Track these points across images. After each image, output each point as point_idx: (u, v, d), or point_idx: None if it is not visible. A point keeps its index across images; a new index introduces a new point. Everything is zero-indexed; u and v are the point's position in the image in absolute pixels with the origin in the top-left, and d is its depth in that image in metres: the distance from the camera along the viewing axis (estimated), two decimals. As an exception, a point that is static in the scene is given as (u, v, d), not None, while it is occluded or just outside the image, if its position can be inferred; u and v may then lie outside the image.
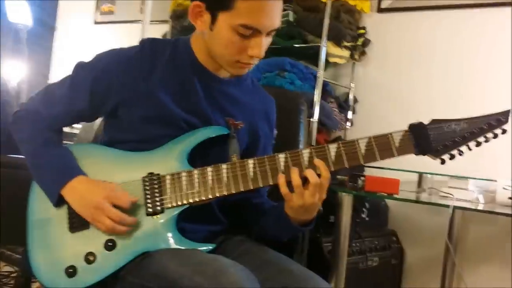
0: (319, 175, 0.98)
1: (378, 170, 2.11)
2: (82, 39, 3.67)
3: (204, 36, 1.07)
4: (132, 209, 1.04)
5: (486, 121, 1.00)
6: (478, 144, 1.00)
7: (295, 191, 0.99)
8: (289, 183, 0.99)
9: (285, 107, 1.40)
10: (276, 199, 1.10)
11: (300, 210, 1.02)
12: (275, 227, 1.11)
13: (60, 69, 3.57)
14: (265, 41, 1.04)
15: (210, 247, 1.04)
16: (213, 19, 1.02)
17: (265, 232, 1.15)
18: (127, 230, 1.02)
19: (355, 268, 2.02)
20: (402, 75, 2.51)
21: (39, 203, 1.09)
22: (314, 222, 1.08)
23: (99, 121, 1.42)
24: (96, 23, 3.72)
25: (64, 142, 1.17)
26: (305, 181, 0.99)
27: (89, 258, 1.02)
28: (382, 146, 0.99)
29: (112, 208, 1.01)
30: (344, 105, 2.56)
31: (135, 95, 1.08)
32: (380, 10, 2.58)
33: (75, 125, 1.29)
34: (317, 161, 0.99)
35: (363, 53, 2.56)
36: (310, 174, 0.98)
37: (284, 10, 2.39)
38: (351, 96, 2.60)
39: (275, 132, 1.25)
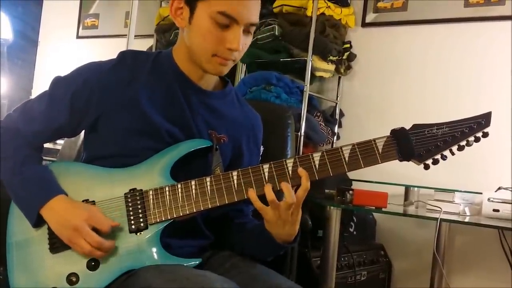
0: (300, 185, 0.97)
1: (365, 184, 2.10)
2: (65, 53, 3.64)
3: (184, 35, 1.07)
4: (114, 227, 1.01)
5: (467, 124, 0.98)
6: (461, 148, 0.99)
7: (270, 206, 0.97)
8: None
9: (273, 121, 1.39)
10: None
11: (279, 223, 1.00)
12: (257, 244, 1.09)
13: (43, 83, 3.51)
14: (244, 39, 1.03)
15: (197, 262, 1.02)
16: (192, 11, 1.03)
17: (247, 252, 1.12)
18: (104, 255, 0.99)
19: (343, 283, 2.01)
20: (387, 89, 2.53)
21: (18, 223, 1.06)
22: (297, 239, 1.06)
23: (82, 136, 1.39)
24: (79, 37, 3.69)
25: (47, 158, 1.14)
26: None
27: (72, 279, 0.99)
28: (365, 152, 0.98)
29: (91, 232, 0.98)
30: (330, 119, 2.56)
31: (116, 107, 1.06)
32: (365, 24, 2.60)
33: (58, 141, 1.26)
34: (301, 171, 0.97)
35: (348, 67, 2.58)
36: (285, 189, 0.96)
37: (270, 24, 2.40)
38: (337, 110, 2.60)
39: (262, 148, 1.24)
